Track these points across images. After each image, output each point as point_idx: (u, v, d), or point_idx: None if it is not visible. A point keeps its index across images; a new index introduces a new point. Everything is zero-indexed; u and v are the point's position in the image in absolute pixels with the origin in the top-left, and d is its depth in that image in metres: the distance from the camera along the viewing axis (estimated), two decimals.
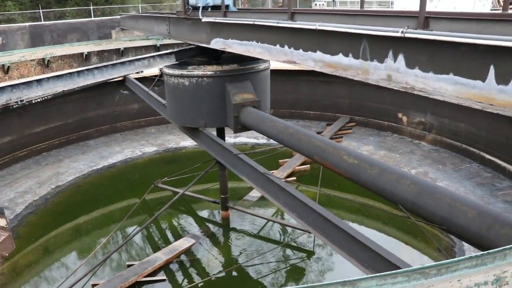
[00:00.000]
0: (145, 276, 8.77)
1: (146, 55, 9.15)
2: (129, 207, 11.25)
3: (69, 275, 8.63)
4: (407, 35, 4.05)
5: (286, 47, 6.18)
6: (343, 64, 5.11)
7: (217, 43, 8.32)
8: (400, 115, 15.80)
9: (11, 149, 14.65)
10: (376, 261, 4.74)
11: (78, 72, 8.30)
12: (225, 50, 8.13)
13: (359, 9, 6.36)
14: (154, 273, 8.99)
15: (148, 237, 10.87)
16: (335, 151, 5.68)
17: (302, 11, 7.32)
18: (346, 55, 5.04)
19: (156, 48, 20.74)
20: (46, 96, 8.58)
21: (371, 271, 4.81)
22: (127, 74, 11.57)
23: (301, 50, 5.86)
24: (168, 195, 12.11)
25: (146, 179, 13.04)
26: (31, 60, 18.49)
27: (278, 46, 6.37)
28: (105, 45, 21.50)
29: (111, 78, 9.10)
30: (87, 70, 8.42)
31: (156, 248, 10.10)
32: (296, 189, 6.40)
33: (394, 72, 4.43)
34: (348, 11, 6.30)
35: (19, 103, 7.59)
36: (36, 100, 9.27)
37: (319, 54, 5.52)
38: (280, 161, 13.85)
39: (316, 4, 39.77)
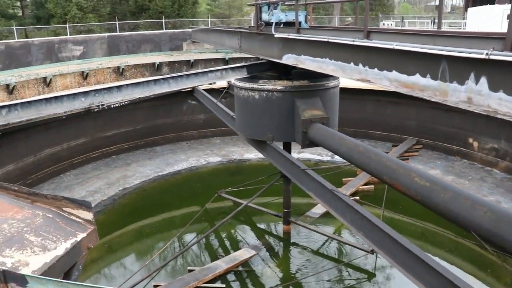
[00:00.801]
0: (204, 283, 8.94)
1: (218, 68, 9.40)
2: (190, 214, 11.55)
3: (131, 275, 8.94)
4: (492, 57, 3.93)
5: (360, 65, 6.14)
6: (420, 85, 5.01)
7: (289, 59, 8.41)
8: (470, 140, 15.15)
9: (84, 150, 15.58)
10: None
11: (154, 80, 8.68)
12: (297, 65, 8.20)
13: (436, 29, 6.23)
14: (213, 280, 9.14)
15: (207, 245, 11.07)
16: (406, 172, 5.56)
17: (377, 30, 7.27)
18: (424, 75, 4.94)
19: (224, 61, 21.31)
20: (124, 102, 9.07)
21: None
22: (199, 85, 11.97)
23: (376, 69, 5.80)
24: (229, 206, 12.32)
25: (209, 188, 13.37)
26: (107, 67, 19.62)
27: (352, 64, 6.35)
28: (176, 56, 22.40)
29: (184, 88, 9.44)
30: (163, 79, 8.77)
31: (214, 257, 10.27)
32: (363, 208, 6.32)
33: (475, 95, 4.30)
34: (426, 31, 6.18)
35: (100, 107, 8.06)
36: (114, 105, 9.84)
37: (394, 74, 5.45)
38: (343, 179, 13.70)
39: (384, 24, 39.22)
